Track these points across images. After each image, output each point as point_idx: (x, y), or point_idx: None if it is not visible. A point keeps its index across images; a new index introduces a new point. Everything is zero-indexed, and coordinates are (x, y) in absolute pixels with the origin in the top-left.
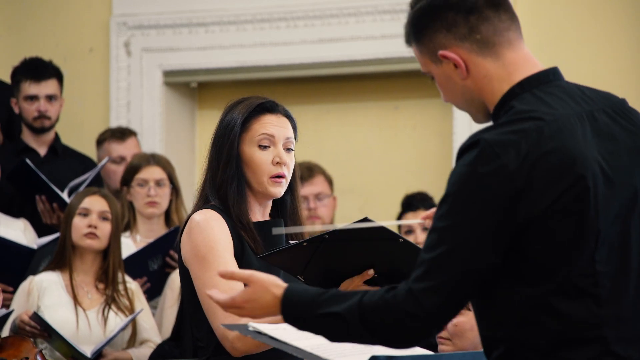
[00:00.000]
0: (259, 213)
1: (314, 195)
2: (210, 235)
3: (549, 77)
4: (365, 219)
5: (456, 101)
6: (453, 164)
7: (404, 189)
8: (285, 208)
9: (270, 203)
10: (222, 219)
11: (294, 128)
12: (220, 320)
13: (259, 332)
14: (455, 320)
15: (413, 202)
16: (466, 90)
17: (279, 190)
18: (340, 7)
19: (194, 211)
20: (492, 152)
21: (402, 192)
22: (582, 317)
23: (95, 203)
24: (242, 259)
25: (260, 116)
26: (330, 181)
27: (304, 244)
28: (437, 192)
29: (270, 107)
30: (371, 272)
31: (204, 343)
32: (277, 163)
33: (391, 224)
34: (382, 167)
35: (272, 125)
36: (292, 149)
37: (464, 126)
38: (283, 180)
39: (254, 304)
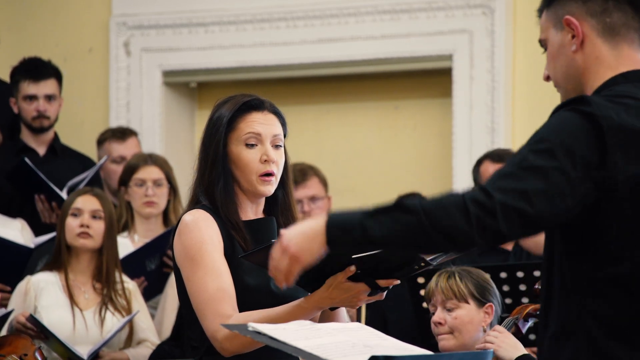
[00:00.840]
0: (251, 211)
1: (308, 198)
2: (199, 236)
3: None
4: None
5: (557, 73)
6: (453, 164)
7: (403, 189)
8: (278, 204)
9: (262, 200)
10: (212, 218)
11: (283, 124)
12: (210, 320)
13: (259, 332)
14: (454, 314)
15: None
16: (572, 64)
17: (269, 189)
18: (340, 7)
19: (185, 212)
20: (595, 106)
21: (402, 192)
22: None
23: (87, 202)
24: (233, 259)
25: (246, 115)
26: (324, 182)
27: None
28: (436, 191)
29: (256, 105)
30: (353, 268)
31: (198, 343)
32: (265, 161)
33: None
34: (382, 167)
35: (258, 123)
36: (280, 146)
37: (464, 126)
38: (272, 178)
39: (296, 236)
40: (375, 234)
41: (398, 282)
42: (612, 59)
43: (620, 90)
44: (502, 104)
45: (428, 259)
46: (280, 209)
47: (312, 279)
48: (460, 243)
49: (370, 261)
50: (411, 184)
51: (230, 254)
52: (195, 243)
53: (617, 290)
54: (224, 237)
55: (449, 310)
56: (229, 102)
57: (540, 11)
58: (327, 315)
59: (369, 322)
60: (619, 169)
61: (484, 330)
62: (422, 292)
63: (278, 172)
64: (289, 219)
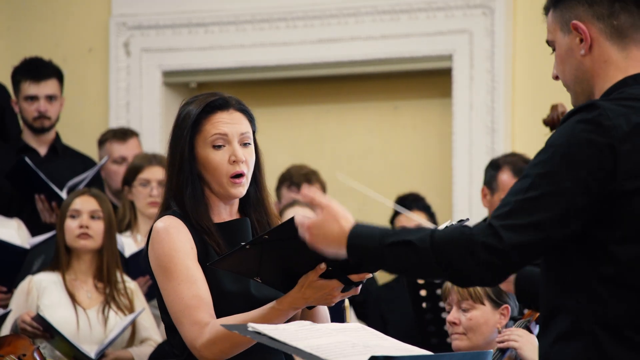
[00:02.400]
0: (225, 212)
1: None
2: (170, 244)
3: None
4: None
5: (566, 76)
6: (453, 164)
7: (404, 189)
8: (249, 199)
9: (236, 201)
10: (183, 224)
11: (251, 121)
12: (187, 329)
13: (259, 333)
14: (469, 315)
15: (405, 203)
16: (581, 67)
17: (240, 191)
18: (340, 7)
19: (156, 218)
20: (605, 114)
21: (402, 192)
22: None
23: (85, 203)
24: (206, 264)
25: (210, 116)
26: (324, 188)
27: (247, 246)
28: (436, 192)
29: (220, 105)
30: (323, 266)
31: (178, 351)
32: (234, 162)
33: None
34: (382, 167)
35: (223, 123)
36: (249, 143)
37: (464, 126)
38: (243, 179)
39: (319, 230)
40: (389, 264)
41: (370, 275)
42: (621, 61)
43: (631, 92)
44: (502, 104)
45: None
46: (253, 205)
47: (286, 278)
48: (470, 283)
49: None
50: (411, 184)
51: (204, 260)
52: (167, 251)
53: (621, 292)
54: (197, 242)
55: (464, 310)
56: (194, 102)
57: (547, 9)
58: (306, 313)
59: (368, 323)
60: (630, 177)
61: (499, 332)
62: (422, 293)
63: (248, 171)
64: (262, 214)
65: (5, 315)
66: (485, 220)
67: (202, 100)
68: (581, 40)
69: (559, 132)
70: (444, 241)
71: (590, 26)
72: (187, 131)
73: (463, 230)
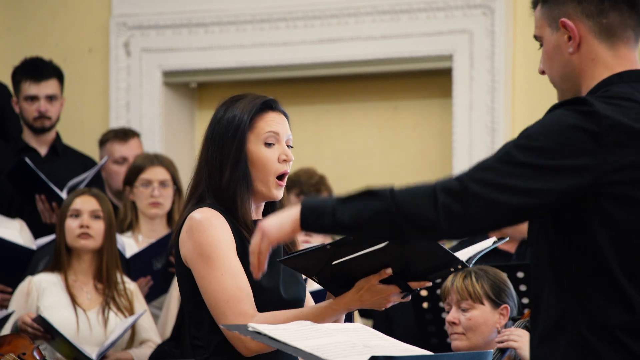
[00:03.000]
0: (254, 213)
1: None
2: (214, 234)
3: None
4: None
5: (553, 73)
6: (453, 164)
7: None
8: (276, 206)
9: (263, 203)
10: (223, 217)
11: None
12: (231, 320)
13: (259, 333)
14: (468, 315)
15: None
16: (568, 65)
17: (281, 193)
18: (340, 8)
19: (189, 210)
20: (592, 106)
21: None
22: None
23: (85, 203)
24: (244, 258)
25: (263, 114)
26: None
27: (327, 247)
28: None
29: (270, 105)
30: (389, 271)
31: (204, 342)
32: (284, 160)
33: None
34: (382, 167)
35: (276, 122)
36: (292, 147)
37: (464, 126)
38: (283, 182)
39: (272, 218)
40: (345, 219)
41: (430, 283)
42: (609, 59)
43: (616, 91)
44: (502, 104)
45: (464, 259)
46: (278, 210)
47: (342, 280)
48: (427, 231)
49: (404, 264)
50: (411, 184)
51: (241, 254)
52: (211, 241)
53: (610, 292)
54: (235, 236)
55: (464, 310)
56: (242, 100)
57: (535, 3)
58: None
59: (374, 322)
60: (613, 167)
61: (498, 332)
62: (422, 293)
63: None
64: None
65: (7, 317)
66: None
67: (255, 99)
68: (569, 38)
69: (543, 119)
70: (405, 190)
71: (579, 24)
72: (244, 126)
73: (426, 182)
